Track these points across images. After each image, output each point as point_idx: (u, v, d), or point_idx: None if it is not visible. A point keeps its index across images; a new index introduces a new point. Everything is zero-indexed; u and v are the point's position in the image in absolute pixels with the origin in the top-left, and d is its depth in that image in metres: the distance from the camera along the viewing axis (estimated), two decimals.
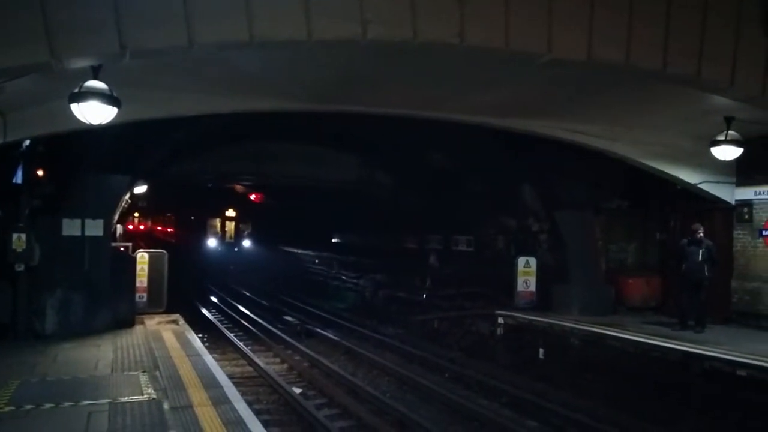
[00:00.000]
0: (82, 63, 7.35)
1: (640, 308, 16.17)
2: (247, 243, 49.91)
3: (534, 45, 8.12)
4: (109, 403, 7.86)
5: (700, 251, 13.47)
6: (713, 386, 10.64)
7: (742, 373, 10.35)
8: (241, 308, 24.31)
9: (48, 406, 7.72)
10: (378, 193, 25.63)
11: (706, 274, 13.41)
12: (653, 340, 12.37)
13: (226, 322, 21.54)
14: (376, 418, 10.56)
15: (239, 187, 38.83)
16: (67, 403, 7.83)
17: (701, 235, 13.61)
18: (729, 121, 11.57)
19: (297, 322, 20.22)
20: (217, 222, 52.51)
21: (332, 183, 22.89)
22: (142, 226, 53.47)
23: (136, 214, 47.25)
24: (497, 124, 13.31)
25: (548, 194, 17.07)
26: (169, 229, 57.67)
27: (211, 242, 50.89)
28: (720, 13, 8.91)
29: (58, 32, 6.57)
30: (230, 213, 51.68)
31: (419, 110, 12.73)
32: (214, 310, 24.37)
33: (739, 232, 14.65)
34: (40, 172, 13.65)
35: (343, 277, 30.01)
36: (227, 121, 14.75)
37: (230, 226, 52.99)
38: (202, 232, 51.44)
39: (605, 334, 13.26)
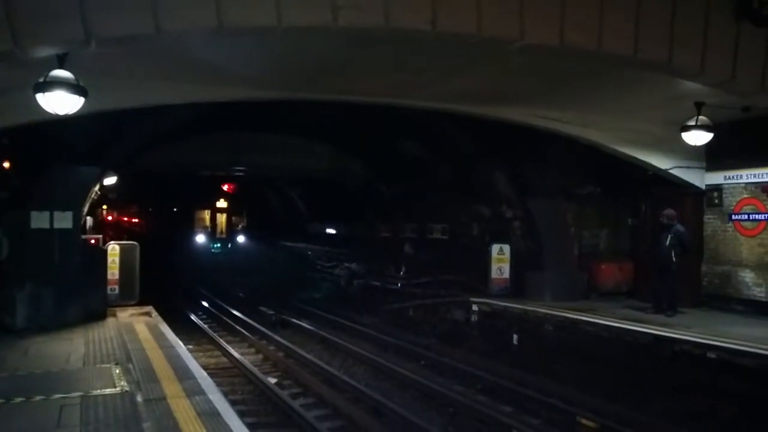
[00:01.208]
0: (46, 52, 7.18)
1: (613, 293, 16.35)
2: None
3: (506, 31, 8.10)
4: (81, 396, 7.75)
5: (669, 236, 13.65)
6: (684, 368, 10.80)
7: (711, 355, 10.53)
8: (214, 299, 24.18)
9: (19, 400, 7.60)
10: (351, 182, 25.57)
11: (673, 259, 13.58)
12: (625, 324, 12.53)
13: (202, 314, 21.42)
14: (352, 407, 10.56)
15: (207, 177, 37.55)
16: (38, 397, 7.71)
17: (666, 220, 13.79)
18: (699, 107, 11.68)
19: (272, 312, 20.11)
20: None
21: (304, 172, 22.77)
22: (110, 217, 50.26)
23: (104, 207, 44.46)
24: (470, 111, 13.31)
25: (521, 181, 17.14)
26: (134, 220, 55.43)
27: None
28: None
29: (21, 20, 6.41)
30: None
31: (392, 99, 12.69)
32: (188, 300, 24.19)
33: (709, 216, 14.86)
34: (6, 165, 13.38)
35: (318, 267, 29.95)
36: (197, 110, 14.58)
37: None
38: (171, 222, 46.62)
39: (578, 319, 13.39)
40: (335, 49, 9.22)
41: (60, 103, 7.79)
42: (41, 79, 7.60)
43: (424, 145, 19.89)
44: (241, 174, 29.80)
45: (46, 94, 7.69)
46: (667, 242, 13.67)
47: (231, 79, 10.81)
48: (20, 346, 11.09)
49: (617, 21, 8.53)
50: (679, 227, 13.75)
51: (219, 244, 42.15)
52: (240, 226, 44.25)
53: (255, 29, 7.37)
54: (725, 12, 9.15)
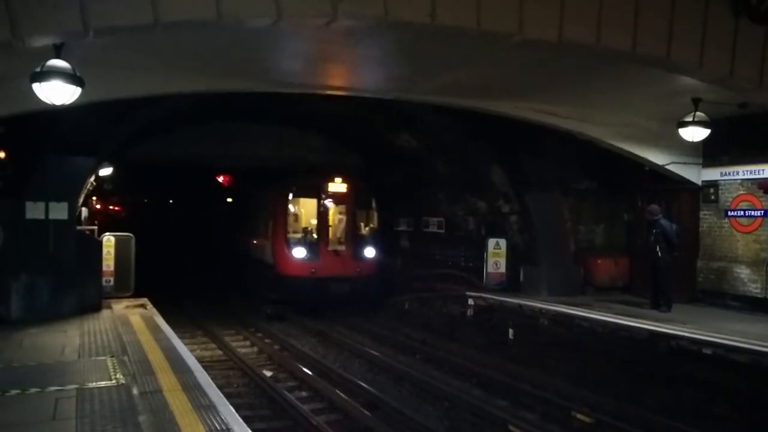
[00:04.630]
0: (44, 41, 7.15)
1: (609, 288, 16.40)
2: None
3: (505, 25, 8.09)
4: (77, 388, 7.72)
5: (653, 232, 13.69)
6: (679, 364, 10.83)
7: (707, 351, 10.55)
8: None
9: (14, 392, 7.55)
10: None
11: (659, 254, 13.59)
12: (620, 319, 12.55)
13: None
14: (347, 400, 10.57)
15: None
16: (33, 390, 7.67)
17: (649, 216, 13.82)
18: (696, 103, 11.69)
19: (267, 305, 20.04)
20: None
21: (300, 165, 22.66)
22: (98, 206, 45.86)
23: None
24: (467, 104, 13.30)
25: (518, 176, 17.13)
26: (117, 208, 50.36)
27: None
28: None
29: (19, 9, 6.38)
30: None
31: (389, 92, 12.65)
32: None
33: (705, 212, 14.89)
34: (1, 154, 13.30)
35: None
36: (191, 101, 14.51)
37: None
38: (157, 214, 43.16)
39: (574, 314, 13.40)
40: (333, 43, 9.19)
41: (57, 93, 7.74)
42: (38, 69, 7.55)
43: (421, 138, 19.82)
44: (235, 165, 29.24)
45: (43, 83, 7.64)
46: (652, 237, 13.72)
47: (229, 71, 10.79)
48: (15, 337, 11.05)
49: (616, 15, 8.53)
50: (664, 222, 13.74)
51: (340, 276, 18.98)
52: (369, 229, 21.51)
53: (254, 21, 7.33)
54: (723, 8, 9.16)
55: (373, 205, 20.75)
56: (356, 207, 20.31)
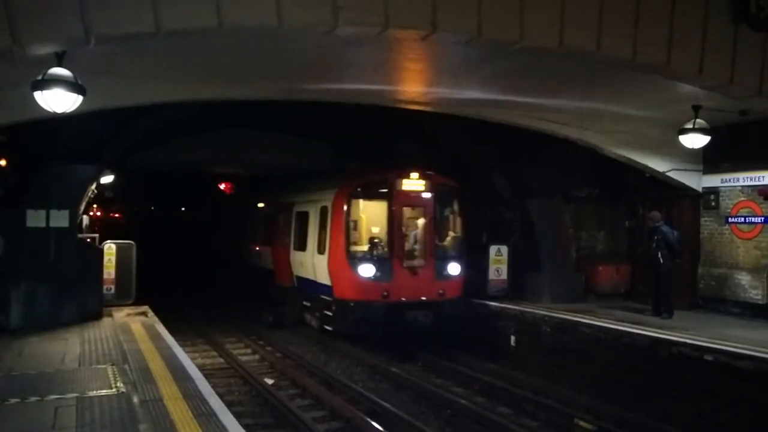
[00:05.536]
0: (45, 49, 7.15)
1: (610, 295, 16.42)
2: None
3: (506, 32, 8.09)
4: (77, 397, 7.70)
5: (654, 238, 13.71)
6: (681, 371, 10.81)
7: (709, 357, 10.54)
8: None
9: (14, 401, 7.54)
10: None
11: (661, 261, 13.61)
12: (622, 326, 12.56)
13: None
14: (349, 407, 10.54)
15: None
16: (33, 398, 7.66)
17: (651, 223, 13.85)
18: (696, 110, 11.70)
19: (267, 312, 20.00)
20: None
21: (303, 172, 22.67)
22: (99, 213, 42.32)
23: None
24: (468, 112, 13.31)
25: (520, 182, 17.14)
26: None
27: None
28: (689, 1, 8.98)
29: (20, 17, 6.36)
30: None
31: (390, 99, 12.67)
32: None
33: (705, 219, 14.91)
34: (2, 162, 13.31)
35: None
36: (193, 109, 14.55)
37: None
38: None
39: (576, 321, 13.39)
40: (333, 52, 9.20)
41: (58, 101, 7.75)
42: (39, 77, 7.55)
43: (422, 145, 19.85)
44: (237, 172, 29.27)
45: (44, 92, 7.64)
46: (654, 244, 13.74)
47: (232, 79, 10.79)
48: (15, 346, 11.04)
49: (616, 23, 8.54)
50: (665, 228, 13.77)
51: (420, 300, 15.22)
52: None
53: (255, 29, 7.34)
54: (723, 16, 9.17)
55: (457, 206, 16.23)
56: (439, 210, 15.90)
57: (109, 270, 15.37)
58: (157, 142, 18.71)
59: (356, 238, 15.71)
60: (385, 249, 15.16)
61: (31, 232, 13.11)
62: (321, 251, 15.67)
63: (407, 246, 15.44)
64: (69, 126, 11.57)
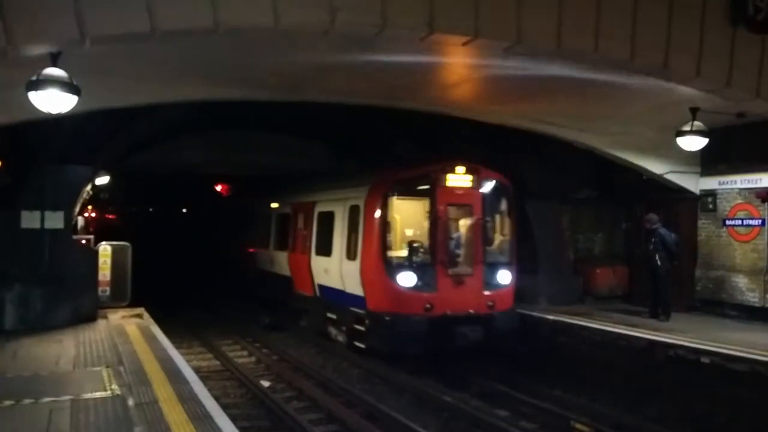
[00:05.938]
0: (40, 50, 7.12)
1: (607, 297, 16.41)
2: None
3: (503, 33, 8.10)
4: (71, 399, 7.66)
5: (652, 240, 13.69)
6: (678, 373, 10.79)
7: (705, 360, 10.53)
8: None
9: (7, 403, 7.49)
10: None
11: (658, 263, 13.60)
12: (619, 328, 12.55)
13: None
14: (345, 410, 10.48)
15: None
16: (27, 401, 7.61)
17: (648, 225, 13.82)
18: (694, 112, 11.69)
19: (265, 314, 19.96)
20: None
21: (302, 173, 22.60)
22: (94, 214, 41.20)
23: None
24: (466, 114, 13.28)
25: (517, 184, 17.06)
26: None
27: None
28: (686, 3, 9.00)
29: (15, 17, 6.34)
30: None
31: (389, 100, 12.65)
32: None
33: (703, 221, 14.89)
34: None
35: None
36: (191, 110, 14.48)
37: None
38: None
39: (573, 323, 13.37)
40: (331, 52, 9.17)
41: (53, 102, 7.69)
42: (34, 78, 7.50)
43: (421, 146, 19.83)
44: (235, 174, 29.12)
45: (39, 92, 7.59)
46: (651, 246, 13.72)
47: (229, 80, 10.76)
48: (9, 348, 10.98)
49: (614, 25, 8.57)
50: (662, 231, 13.77)
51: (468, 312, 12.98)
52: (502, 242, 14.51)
53: (251, 29, 7.31)
54: (721, 18, 9.22)
55: (506, 205, 14.19)
56: (488, 210, 13.69)
57: (105, 272, 15.27)
58: (153, 143, 18.63)
59: (392, 242, 13.62)
60: (427, 254, 13.10)
61: (26, 233, 13.04)
62: (351, 257, 13.70)
63: (453, 251, 13.36)
64: (64, 127, 11.51)
